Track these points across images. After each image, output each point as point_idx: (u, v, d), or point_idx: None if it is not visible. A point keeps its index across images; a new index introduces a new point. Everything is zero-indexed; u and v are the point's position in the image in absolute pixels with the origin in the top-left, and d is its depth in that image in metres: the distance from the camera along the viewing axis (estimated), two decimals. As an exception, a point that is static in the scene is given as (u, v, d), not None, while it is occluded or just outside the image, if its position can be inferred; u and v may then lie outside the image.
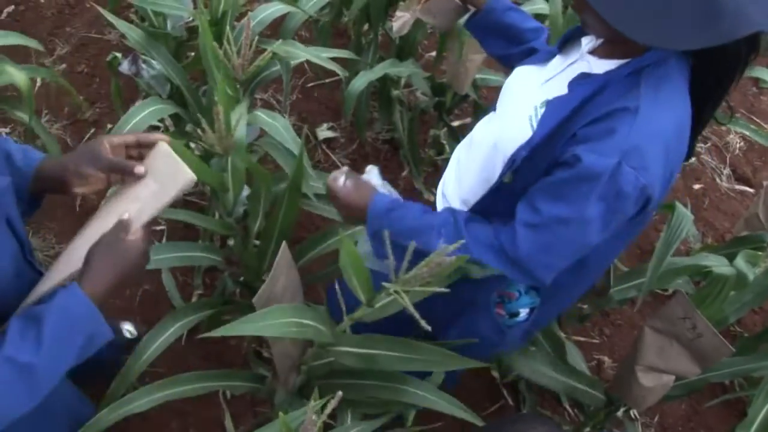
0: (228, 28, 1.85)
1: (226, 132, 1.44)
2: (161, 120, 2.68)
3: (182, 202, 2.73)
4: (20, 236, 1.26)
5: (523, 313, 1.55)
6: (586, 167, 1.22)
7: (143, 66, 2.20)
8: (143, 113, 1.92)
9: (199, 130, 1.44)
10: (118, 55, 2.32)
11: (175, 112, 2.02)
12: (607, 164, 1.21)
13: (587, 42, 1.38)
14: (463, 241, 1.27)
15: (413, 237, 1.29)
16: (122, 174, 1.26)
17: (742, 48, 1.23)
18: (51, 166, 1.30)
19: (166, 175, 1.26)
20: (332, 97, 3.20)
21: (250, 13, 1.89)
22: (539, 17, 3.07)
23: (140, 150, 1.30)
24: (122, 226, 1.22)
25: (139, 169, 1.24)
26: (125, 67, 2.21)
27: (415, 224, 1.41)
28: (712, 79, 1.31)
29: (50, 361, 1.11)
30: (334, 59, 2.11)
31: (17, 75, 2.02)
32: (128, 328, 2.27)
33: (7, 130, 2.94)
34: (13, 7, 3.39)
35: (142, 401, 1.61)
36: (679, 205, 1.90)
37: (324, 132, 3.02)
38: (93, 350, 1.18)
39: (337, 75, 2.25)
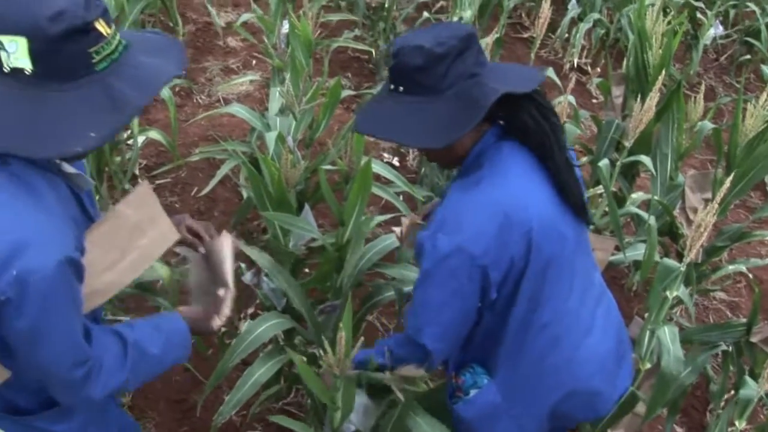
0: (350, 254, 2.02)
1: (345, 357, 1.56)
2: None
3: (279, 409, 2.82)
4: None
5: (473, 392, 1.82)
6: (417, 245, 1.64)
7: (264, 279, 2.39)
8: (262, 327, 2.07)
9: (321, 351, 1.57)
10: (243, 265, 2.53)
11: (291, 327, 2.16)
12: (424, 235, 1.62)
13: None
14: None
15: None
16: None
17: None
18: None
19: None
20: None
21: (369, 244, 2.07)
22: (637, 263, 3.16)
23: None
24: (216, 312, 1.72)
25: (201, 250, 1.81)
26: (248, 278, 2.41)
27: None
28: (527, 140, 1.68)
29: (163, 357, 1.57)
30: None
31: (162, 270, 2.27)
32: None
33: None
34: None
35: None
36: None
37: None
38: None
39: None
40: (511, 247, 1.62)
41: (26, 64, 1.24)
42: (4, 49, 1.23)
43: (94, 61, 1.28)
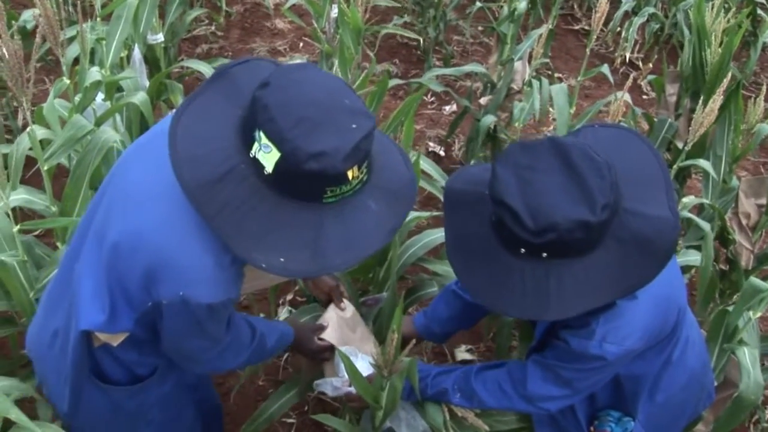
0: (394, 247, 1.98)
1: (395, 357, 1.54)
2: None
3: (314, 397, 2.80)
4: None
5: None
6: (578, 350, 1.56)
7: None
8: (303, 318, 2.06)
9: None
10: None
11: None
12: (590, 345, 1.53)
13: None
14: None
15: (438, 399, 1.80)
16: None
17: None
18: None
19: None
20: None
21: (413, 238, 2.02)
22: (688, 268, 3.09)
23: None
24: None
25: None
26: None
27: (433, 393, 1.80)
28: None
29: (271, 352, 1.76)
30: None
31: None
32: None
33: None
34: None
35: None
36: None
37: (462, 353, 3.05)
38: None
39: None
40: (669, 321, 1.64)
41: (267, 167, 1.26)
42: (259, 142, 1.25)
43: (325, 196, 1.28)
